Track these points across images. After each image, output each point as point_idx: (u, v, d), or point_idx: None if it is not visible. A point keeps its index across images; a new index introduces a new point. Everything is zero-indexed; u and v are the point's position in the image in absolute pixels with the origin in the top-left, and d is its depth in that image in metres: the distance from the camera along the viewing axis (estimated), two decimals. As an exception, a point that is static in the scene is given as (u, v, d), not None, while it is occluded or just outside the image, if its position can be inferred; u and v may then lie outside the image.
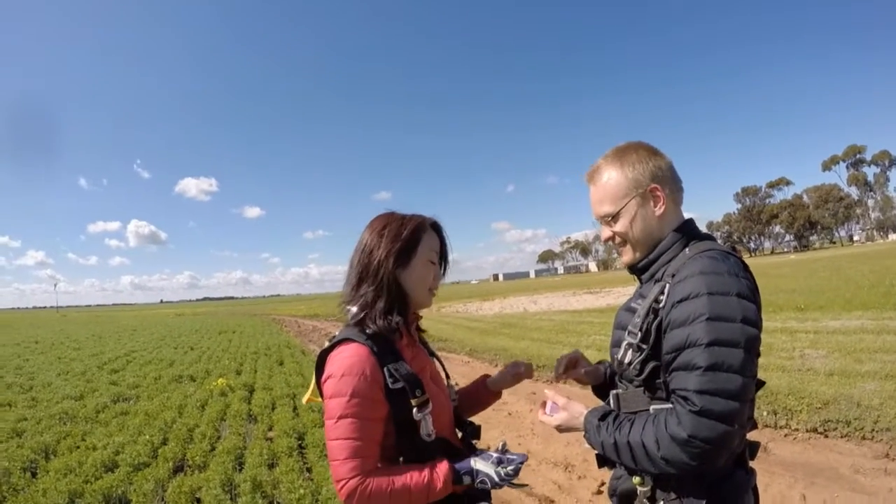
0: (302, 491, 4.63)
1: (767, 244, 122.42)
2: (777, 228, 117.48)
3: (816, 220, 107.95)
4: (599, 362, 2.05)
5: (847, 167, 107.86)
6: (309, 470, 5.49)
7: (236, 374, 11.97)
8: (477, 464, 1.61)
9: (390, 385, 1.58)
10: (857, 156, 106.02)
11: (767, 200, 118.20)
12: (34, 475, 5.65)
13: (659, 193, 1.64)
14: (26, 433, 7.35)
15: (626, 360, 1.57)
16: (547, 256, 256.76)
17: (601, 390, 1.97)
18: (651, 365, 1.53)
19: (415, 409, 1.59)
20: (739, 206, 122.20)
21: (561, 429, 1.72)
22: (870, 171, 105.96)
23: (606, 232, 1.74)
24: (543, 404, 1.77)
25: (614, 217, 1.68)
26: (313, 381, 1.73)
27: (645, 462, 1.45)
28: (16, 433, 7.36)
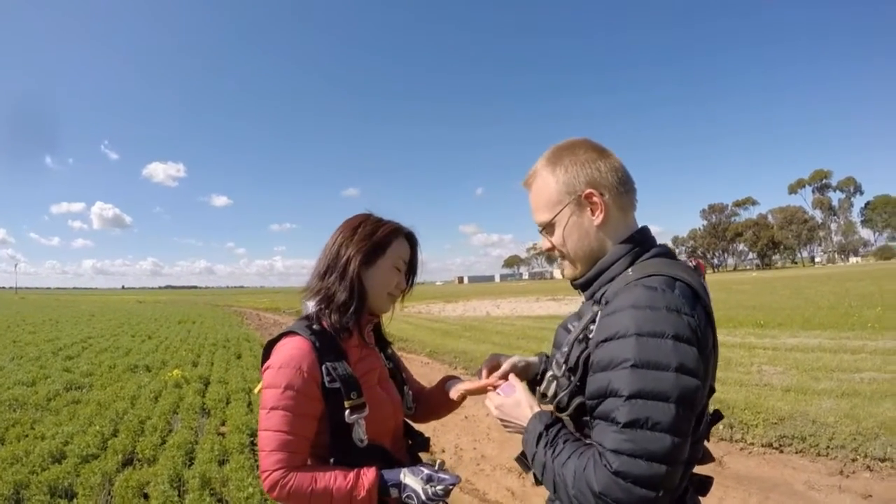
0: (251, 489, 4.52)
1: (731, 261, 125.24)
2: (741, 246, 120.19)
3: (780, 241, 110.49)
4: (538, 354, 1.86)
5: (813, 191, 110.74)
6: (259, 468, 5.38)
7: (192, 366, 11.72)
8: (406, 477, 1.55)
9: (327, 384, 1.55)
10: (823, 180, 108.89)
11: (733, 218, 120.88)
12: (-21, 464, 5.43)
13: (596, 199, 1.41)
14: (-27, 420, 7.06)
15: (550, 393, 1.39)
16: (513, 261, 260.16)
17: (533, 386, 1.75)
18: (577, 400, 1.33)
19: (347, 412, 1.56)
20: (705, 222, 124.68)
21: (503, 415, 1.53)
22: (835, 196, 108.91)
23: (545, 243, 1.54)
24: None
25: (549, 226, 1.48)
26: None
27: (562, 494, 1.26)
28: (-38, 419, 7.06)
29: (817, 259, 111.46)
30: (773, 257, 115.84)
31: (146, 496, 4.71)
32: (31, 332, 19.80)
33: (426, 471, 1.56)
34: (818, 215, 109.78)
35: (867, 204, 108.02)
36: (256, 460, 5.38)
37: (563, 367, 1.36)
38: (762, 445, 5.62)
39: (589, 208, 1.42)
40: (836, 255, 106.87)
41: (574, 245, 1.45)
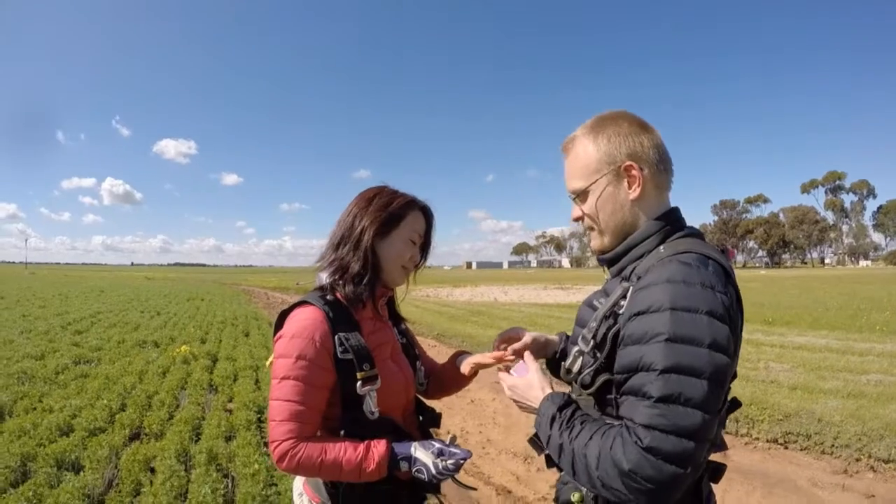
0: (257, 466, 4.54)
1: (740, 258, 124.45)
2: (751, 243, 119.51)
3: (790, 240, 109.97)
4: (559, 333, 1.84)
5: (826, 192, 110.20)
6: (266, 444, 5.41)
7: (201, 343, 11.80)
8: (416, 451, 1.53)
9: (339, 354, 1.55)
10: (837, 182, 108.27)
11: (744, 215, 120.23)
12: (-14, 436, 5.49)
13: (635, 173, 1.38)
14: (-18, 392, 7.13)
15: (576, 369, 1.38)
16: (521, 249, 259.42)
17: (553, 364, 1.76)
18: (603, 377, 1.31)
19: (359, 383, 1.55)
20: (716, 217, 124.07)
21: (516, 396, 1.51)
22: (847, 199, 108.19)
23: (576, 211, 1.51)
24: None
25: (582, 195, 1.46)
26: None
27: (582, 476, 1.23)
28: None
29: (827, 260, 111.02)
30: (783, 256, 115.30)
31: (153, 470, 4.75)
32: (40, 307, 19.93)
33: (437, 445, 1.54)
34: (830, 216, 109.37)
35: (880, 208, 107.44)
36: (263, 437, 5.48)
37: (591, 344, 1.33)
38: (767, 441, 5.63)
39: (626, 181, 1.40)
40: (846, 258, 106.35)
41: (606, 216, 1.43)
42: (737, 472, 4.92)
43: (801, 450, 5.40)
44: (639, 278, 1.28)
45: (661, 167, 1.43)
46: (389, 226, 1.70)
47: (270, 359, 1.72)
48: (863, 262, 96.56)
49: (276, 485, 4.36)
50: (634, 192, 1.39)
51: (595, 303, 1.44)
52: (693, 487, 1.36)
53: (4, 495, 4.15)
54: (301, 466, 1.48)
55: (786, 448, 5.48)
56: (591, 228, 1.48)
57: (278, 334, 1.60)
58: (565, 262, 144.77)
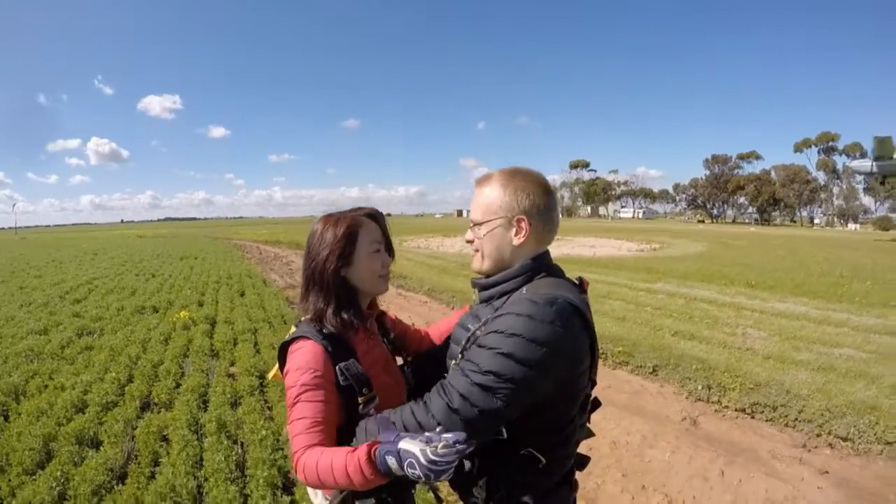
0: (264, 432, 4.86)
1: (730, 212, 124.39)
2: (741, 199, 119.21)
3: (781, 198, 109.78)
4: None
5: (818, 152, 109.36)
6: (270, 409, 5.75)
7: (198, 306, 12.13)
8: (401, 443, 1.44)
9: (341, 382, 1.70)
10: (830, 143, 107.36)
11: (736, 171, 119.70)
12: (6, 418, 5.76)
13: (524, 225, 1.71)
14: (-5, 373, 7.33)
15: None
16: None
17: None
18: None
19: (360, 406, 1.72)
20: (708, 172, 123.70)
21: None
22: (840, 160, 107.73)
23: (469, 235, 1.82)
24: None
25: (479, 225, 1.77)
26: (276, 365, 1.88)
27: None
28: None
29: (816, 220, 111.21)
30: (773, 213, 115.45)
31: (167, 440, 5.05)
32: (36, 277, 19.99)
33: (427, 434, 1.46)
34: (821, 177, 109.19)
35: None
36: (268, 402, 5.86)
37: (459, 360, 1.65)
38: (735, 410, 5.85)
39: (515, 229, 1.72)
40: (836, 219, 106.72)
41: (491, 248, 1.76)
42: (704, 439, 5.25)
43: (767, 421, 5.61)
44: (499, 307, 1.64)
45: (546, 227, 1.76)
46: (349, 250, 1.81)
47: (272, 373, 1.95)
48: (851, 225, 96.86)
49: (282, 449, 4.65)
50: (518, 240, 1.72)
51: (468, 325, 1.74)
52: (565, 476, 1.78)
53: (34, 476, 4.42)
54: (306, 471, 1.57)
55: (752, 418, 5.69)
56: (477, 251, 1.80)
57: (286, 368, 1.75)
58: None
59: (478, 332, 1.64)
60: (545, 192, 1.75)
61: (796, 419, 5.57)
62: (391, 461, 1.44)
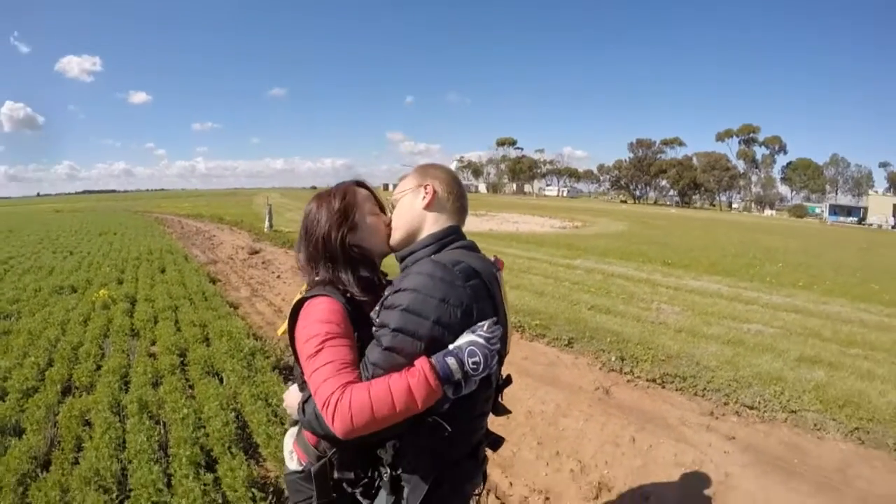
0: (186, 410, 4.83)
1: (652, 194, 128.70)
2: (664, 182, 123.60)
3: (701, 183, 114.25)
4: None
5: (739, 143, 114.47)
6: (191, 387, 5.71)
7: (118, 284, 11.76)
8: (452, 345, 1.57)
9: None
10: (751, 135, 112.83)
11: (659, 156, 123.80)
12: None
13: (430, 189, 1.83)
14: None
15: None
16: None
17: None
18: None
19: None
20: (632, 155, 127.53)
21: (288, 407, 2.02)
22: (759, 151, 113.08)
23: (386, 217, 1.95)
24: None
25: (395, 205, 1.90)
26: (285, 323, 1.81)
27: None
28: None
29: (735, 206, 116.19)
30: (693, 197, 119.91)
31: (89, 424, 4.94)
32: (-52, 255, 18.68)
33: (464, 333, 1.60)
34: (741, 165, 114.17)
35: (789, 164, 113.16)
36: (189, 381, 5.81)
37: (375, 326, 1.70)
38: (647, 380, 6.08)
39: (422, 195, 1.83)
40: (753, 205, 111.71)
41: (401, 219, 1.87)
42: (616, 407, 5.48)
43: (677, 390, 5.85)
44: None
45: (452, 196, 1.88)
46: (350, 216, 1.86)
47: (281, 329, 1.87)
48: (768, 211, 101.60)
49: (203, 427, 4.65)
50: (424, 203, 1.83)
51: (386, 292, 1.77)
52: (472, 450, 1.86)
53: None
54: (353, 411, 1.47)
55: (663, 388, 5.93)
56: (389, 225, 1.91)
57: (301, 322, 1.70)
58: (482, 188, 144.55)
59: (388, 295, 1.69)
60: (453, 177, 1.92)
61: (705, 389, 5.84)
62: (451, 361, 1.53)
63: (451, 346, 1.56)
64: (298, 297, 1.78)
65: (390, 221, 1.92)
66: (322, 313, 1.67)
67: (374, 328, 1.66)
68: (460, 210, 1.90)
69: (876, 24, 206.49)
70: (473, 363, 1.52)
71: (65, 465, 4.26)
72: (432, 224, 1.84)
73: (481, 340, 1.55)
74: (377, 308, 1.73)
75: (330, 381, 1.51)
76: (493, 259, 1.87)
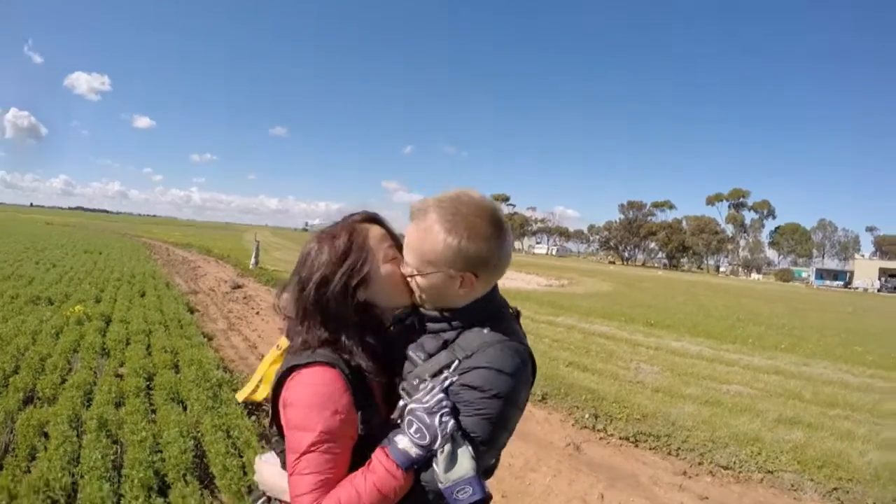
0: (144, 433, 4.71)
1: (641, 256, 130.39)
2: (652, 244, 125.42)
3: (690, 246, 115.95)
4: None
5: (729, 207, 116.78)
6: (154, 412, 5.57)
7: (95, 302, 11.54)
8: (396, 430, 1.38)
9: (360, 431, 1.40)
10: (741, 199, 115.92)
11: (650, 218, 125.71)
12: None
13: (470, 278, 1.44)
14: None
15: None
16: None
17: None
18: None
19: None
20: (622, 216, 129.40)
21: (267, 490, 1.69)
22: (748, 215, 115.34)
23: (406, 269, 1.50)
24: None
25: (416, 273, 1.46)
26: (256, 379, 1.61)
27: None
28: None
29: (722, 269, 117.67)
30: (682, 260, 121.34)
31: (46, 435, 4.81)
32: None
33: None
34: (730, 229, 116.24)
35: (777, 228, 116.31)
36: (152, 405, 5.66)
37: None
38: (620, 438, 6.02)
39: (460, 283, 1.45)
40: (740, 269, 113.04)
41: (432, 296, 1.49)
42: (586, 464, 5.40)
43: (650, 449, 5.81)
44: (466, 354, 1.42)
45: (496, 271, 1.50)
46: (362, 268, 1.47)
47: (245, 393, 1.68)
48: (755, 275, 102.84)
49: (161, 451, 4.53)
50: (462, 292, 1.46)
51: (412, 355, 1.50)
52: None
53: None
54: None
55: (636, 446, 5.88)
56: (414, 286, 1.52)
57: (289, 401, 1.40)
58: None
59: (446, 382, 1.40)
60: (497, 229, 1.45)
61: (679, 448, 5.80)
62: (401, 441, 1.33)
63: (395, 432, 1.37)
64: (285, 361, 1.48)
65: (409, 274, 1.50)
66: (319, 397, 1.36)
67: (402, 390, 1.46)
68: (503, 271, 1.55)
69: (865, 91, 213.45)
70: (418, 437, 1.31)
71: (16, 471, 4.15)
72: (472, 298, 1.52)
73: (413, 405, 1.34)
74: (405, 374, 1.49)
75: (305, 497, 1.32)
76: (514, 312, 1.65)
